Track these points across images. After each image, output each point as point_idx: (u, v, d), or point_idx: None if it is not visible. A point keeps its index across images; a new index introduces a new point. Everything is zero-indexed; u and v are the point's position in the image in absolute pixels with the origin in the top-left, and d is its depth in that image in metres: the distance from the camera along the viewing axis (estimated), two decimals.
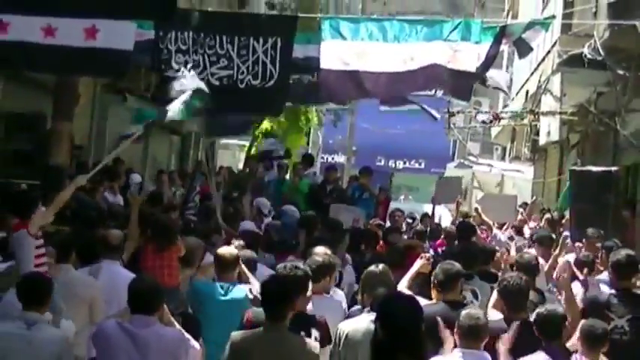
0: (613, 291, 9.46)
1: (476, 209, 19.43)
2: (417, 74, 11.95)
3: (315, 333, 7.68)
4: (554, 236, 15.95)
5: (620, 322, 9.00)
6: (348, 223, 14.96)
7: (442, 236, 16.88)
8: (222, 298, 9.30)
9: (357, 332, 7.80)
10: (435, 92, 18.67)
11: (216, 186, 16.25)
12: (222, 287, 9.43)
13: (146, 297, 7.45)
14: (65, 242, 9.64)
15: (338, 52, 11.99)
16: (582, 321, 7.94)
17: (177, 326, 7.75)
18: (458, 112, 21.42)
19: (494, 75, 14.05)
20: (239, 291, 9.40)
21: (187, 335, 7.63)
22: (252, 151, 26.07)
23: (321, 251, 9.95)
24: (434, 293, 8.88)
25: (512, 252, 14.08)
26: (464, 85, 12.50)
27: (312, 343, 7.37)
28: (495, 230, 18.80)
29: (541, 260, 12.41)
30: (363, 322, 7.90)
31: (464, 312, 7.61)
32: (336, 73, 11.97)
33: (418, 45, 12.06)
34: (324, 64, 12.05)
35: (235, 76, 11.15)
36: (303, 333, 7.48)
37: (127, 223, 11.26)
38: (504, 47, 14.11)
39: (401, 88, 12.57)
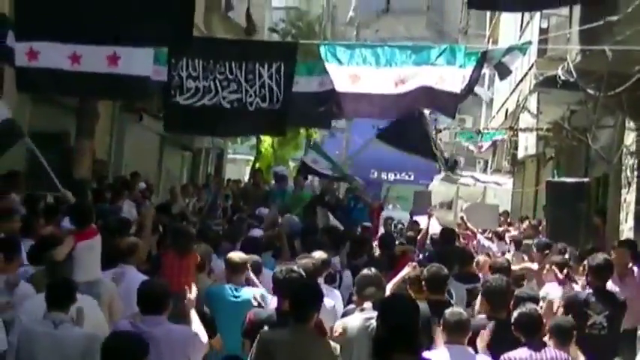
0: (590, 290, 9.54)
1: (461, 217, 19.49)
2: (407, 97, 11.99)
3: None
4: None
5: (598, 319, 9.19)
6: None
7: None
8: (233, 299, 9.31)
9: (352, 329, 7.81)
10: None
11: (225, 197, 16.30)
12: (232, 289, 9.45)
13: (155, 299, 7.45)
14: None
15: (335, 74, 12.02)
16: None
17: (197, 322, 7.80)
18: (444, 129, 21.39)
19: (479, 91, 14.12)
20: (248, 293, 9.41)
21: (197, 330, 7.64)
22: (258, 164, 26.11)
23: (317, 255, 9.96)
24: (415, 292, 8.94)
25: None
26: (450, 103, 12.54)
27: (333, 344, 7.33)
28: (479, 236, 18.85)
29: (535, 265, 12.50)
30: (357, 319, 7.92)
31: (448, 310, 7.65)
32: (337, 94, 12.03)
33: (408, 69, 12.09)
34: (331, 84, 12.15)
35: (244, 99, 11.17)
36: None
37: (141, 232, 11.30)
38: (486, 70, 14.14)
39: (392, 110, 12.60)
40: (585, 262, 11.09)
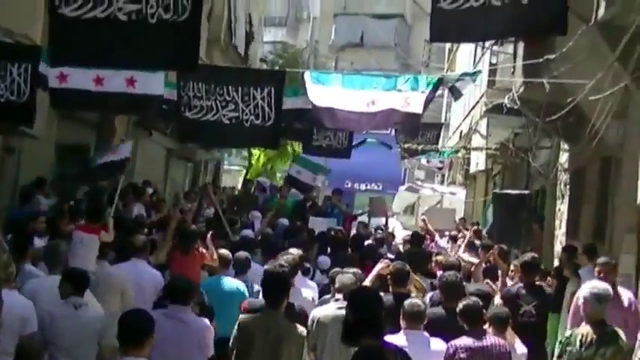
0: (521, 284, 9.64)
1: (423, 220, 19.50)
2: (377, 116, 12.04)
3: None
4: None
5: (528, 308, 9.30)
6: (323, 230, 15.10)
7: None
8: (224, 289, 9.34)
9: (326, 317, 7.81)
10: (391, 131, 18.80)
11: (220, 202, 16.28)
12: (223, 281, 9.49)
13: (182, 291, 7.54)
14: (103, 242, 9.66)
15: (318, 93, 12.11)
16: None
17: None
18: (408, 147, 21.45)
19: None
20: (233, 284, 9.46)
21: (207, 321, 7.74)
22: (249, 175, 26.12)
23: (294, 252, 10.01)
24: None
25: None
26: (413, 123, 12.62)
27: (301, 327, 7.33)
28: (437, 238, 18.87)
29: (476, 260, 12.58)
30: (331, 308, 7.93)
31: (407, 301, 7.68)
32: (320, 109, 12.09)
33: (378, 93, 12.15)
34: (312, 101, 12.18)
35: (241, 117, 11.20)
36: None
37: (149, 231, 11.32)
38: (442, 91, 14.28)
39: (364, 125, 12.68)
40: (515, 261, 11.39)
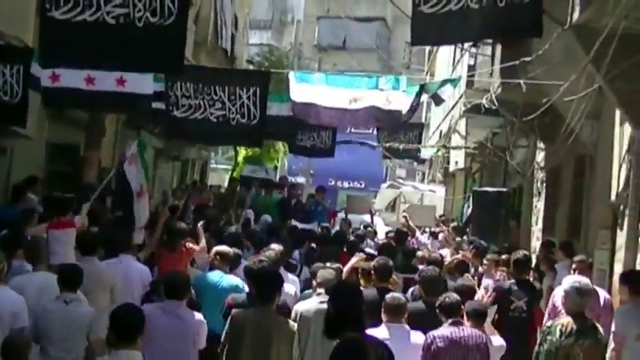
0: (513, 280, 9.70)
1: (404, 216, 19.51)
2: (359, 113, 12.09)
3: None
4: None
5: (520, 304, 9.37)
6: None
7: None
8: (216, 285, 9.31)
9: (309, 311, 7.82)
10: (373, 130, 18.82)
11: (207, 200, 16.27)
12: (216, 277, 9.46)
13: (178, 287, 7.55)
14: (93, 239, 9.63)
15: (303, 90, 12.12)
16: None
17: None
18: (390, 146, 21.44)
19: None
20: (230, 280, 9.43)
21: (200, 316, 7.78)
22: (234, 174, 26.09)
23: (275, 247, 10.01)
24: (365, 281, 9.00)
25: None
26: (395, 120, 12.65)
27: (292, 323, 7.36)
28: (418, 234, 18.90)
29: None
30: (314, 302, 7.94)
31: (388, 295, 7.71)
32: (303, 104, 12.09)
33: (360, 91, 12.21)
34: (295, 98, 12.17)
35: (228, 115, 11.22)
36: None
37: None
38: (424, 99, 14.28)
39: (346, 121, 12.70)
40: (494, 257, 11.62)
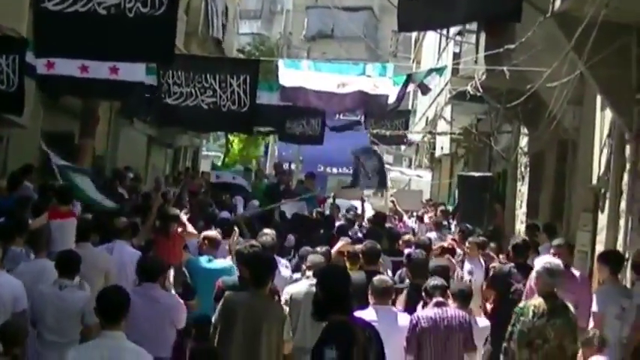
0: (512, 264, 9.75)
1: (392, 201, 19.56)
2: (346, 97, 12.09)
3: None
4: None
5: (519, 286, 9.35)
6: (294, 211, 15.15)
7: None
8: (207, 268, 9.31)
9: (299, 294, 7.87)
10: (360, 117, 18.82)
11: (199, 187, 16.28)
12: (206, 260, 9.47)
13: (151, 269, 7.56)
14: (87, 226, 9.62)
15: (293, 75, 12.14)
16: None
17: (173, 291, 8.02)
18: (377, 133, 21.43)
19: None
20: (221, 263, 9.45)
21: (177, 297, 7.84)
22: (226, 161, 26.13)
23: (268, 232, 10.04)
24: (350, 264, 9.03)
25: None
26: (381, 107, 12.65)
27: (283, 306, 7.39)
28: (405, 218, 18.94)
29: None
30: (304, 285, 7.97)
31: (375, 278, 7.74)
32: (292, 88, 12.09)
33: (348, 77, 12.22)
34: (284, 83, 12.17)
35: (219, 102, 11.20)
36: None
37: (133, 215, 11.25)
38: (411, 88, 14.29)
39: (334, 104, 12.68)
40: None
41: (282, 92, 12.48)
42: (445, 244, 12.14)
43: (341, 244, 9.52)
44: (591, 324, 8.21)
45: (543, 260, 7.74)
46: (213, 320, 7.14)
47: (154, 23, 7.43)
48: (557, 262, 7.74)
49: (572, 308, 7.51)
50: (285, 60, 13.07)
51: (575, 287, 8.49)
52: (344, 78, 12.20)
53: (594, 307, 8.29)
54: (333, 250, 9.46)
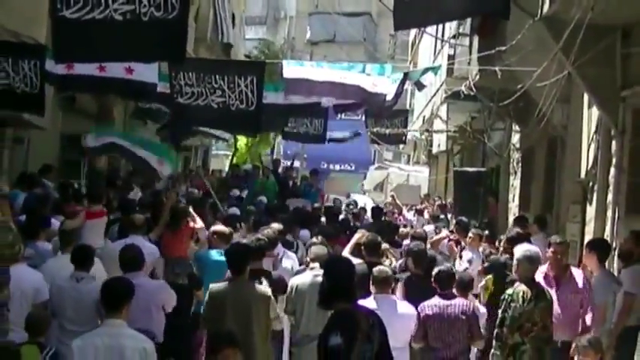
0: (508, 255, 9.68)
1: (392, 196, 19.57)
2: (347, 87, 12.11)
3: (265, 282, 7.73)
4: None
5: (514, 276, 9.19)
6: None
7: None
8: (217, 261, 9.30)
9: (304, 284, 7.86)
10: (361, 117, 18.81)
11: (210, 184, 16.25)
12: (216, 254, 9.47)
13: (131, 259, 7.66)
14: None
15: (297, 69, 12.23)
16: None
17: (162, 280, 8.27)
18: (377, 131, 21.41)
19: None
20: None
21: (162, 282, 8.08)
22: (234, 160, 26.12)
23: (274, 226, 10.03)
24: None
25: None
26: (380, 105, 12.65)
27: (264, 288, 7.45)
28: (404, 211, 18.96)
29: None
30: (308, 276, 7.97)
31: (375, 268, 7.75)
32: (296, 79, 12.13)
33: (349, 74, 12.27)
34: (288, 76, 12.21)
35: (228, 102, 11.17)
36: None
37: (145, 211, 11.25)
38: (407, 86, 14.32)
39: (337, 94, 12.70)
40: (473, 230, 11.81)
41: (286, 85, 12.50)
42: (443, 235, 12.16)
43: (358, 236, 9.46)
44: (589, 319, 8.15)
45: (523, 248, 7.77)
46: (202, 313, 7.29)
47: (167, 26, 7.45)
48: (536, 249, 7.80)
49: (549, 292, 7.70)
50: (289, 61, 13.14)
51: (578, 287, 8.39)
52: (344, 74, 12.28)
53: (595, 299, 8.21)
54: (351, 243, 9.41)
